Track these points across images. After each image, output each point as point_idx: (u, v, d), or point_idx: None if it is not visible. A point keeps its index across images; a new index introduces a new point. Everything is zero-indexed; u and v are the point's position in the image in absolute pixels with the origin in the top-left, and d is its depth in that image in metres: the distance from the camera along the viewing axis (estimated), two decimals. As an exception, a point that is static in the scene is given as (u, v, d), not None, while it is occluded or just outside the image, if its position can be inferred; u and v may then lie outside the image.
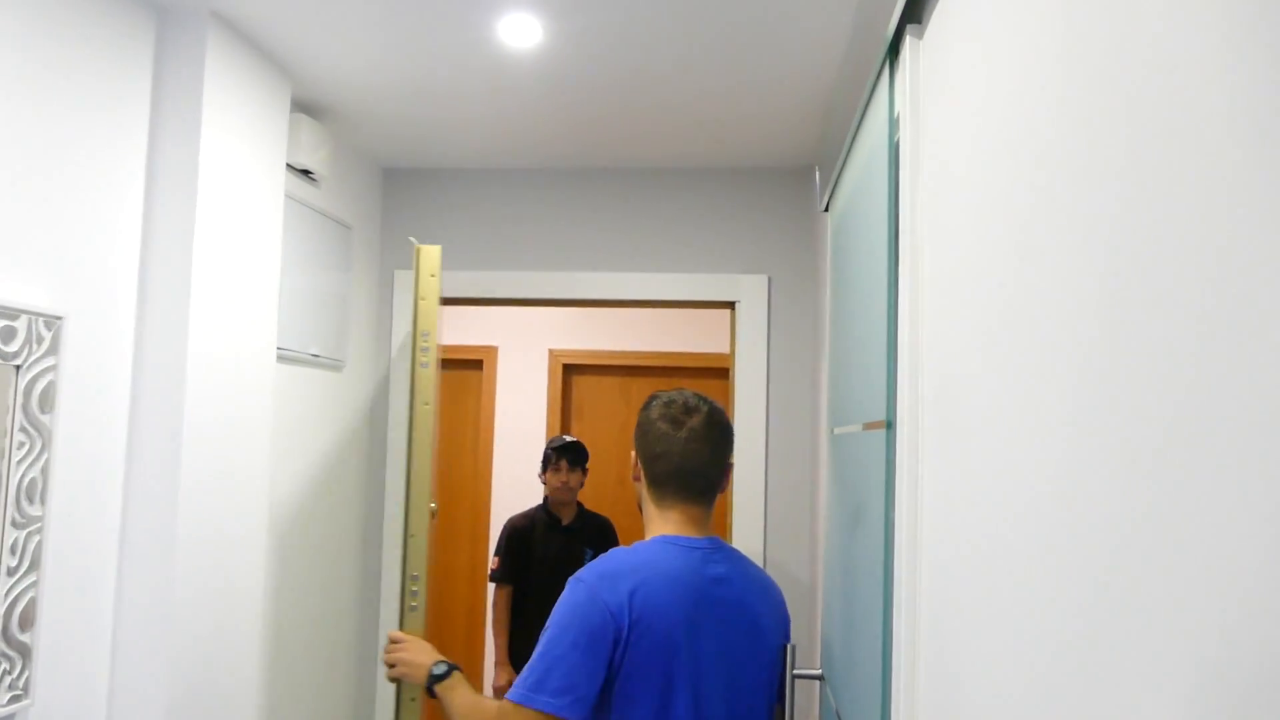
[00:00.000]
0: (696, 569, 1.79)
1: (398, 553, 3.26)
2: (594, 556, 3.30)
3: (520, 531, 3.98)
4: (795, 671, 1.92)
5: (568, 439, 4.02)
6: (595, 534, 3.98)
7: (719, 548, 1.89)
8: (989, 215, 0.95)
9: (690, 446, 1.90)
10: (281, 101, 2.56)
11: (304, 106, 2.84)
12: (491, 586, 4.02)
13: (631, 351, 5.21)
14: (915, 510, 1.27)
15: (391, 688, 3.10)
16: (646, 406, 1.99)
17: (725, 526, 3.36)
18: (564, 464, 3.94)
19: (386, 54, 2.46)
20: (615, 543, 3.89)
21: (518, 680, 1.72)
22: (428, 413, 2.62)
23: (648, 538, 1.89)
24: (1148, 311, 0.59)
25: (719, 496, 1.99)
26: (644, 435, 1.94)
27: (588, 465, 4.05)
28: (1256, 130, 0.47)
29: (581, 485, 4.01)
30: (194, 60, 2.20)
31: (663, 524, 1.89)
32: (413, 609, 2.59)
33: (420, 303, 2.64)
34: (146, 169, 2.18)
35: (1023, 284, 0.84)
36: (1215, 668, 0.50)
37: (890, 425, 1.38)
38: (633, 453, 1.98)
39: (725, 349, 4.75)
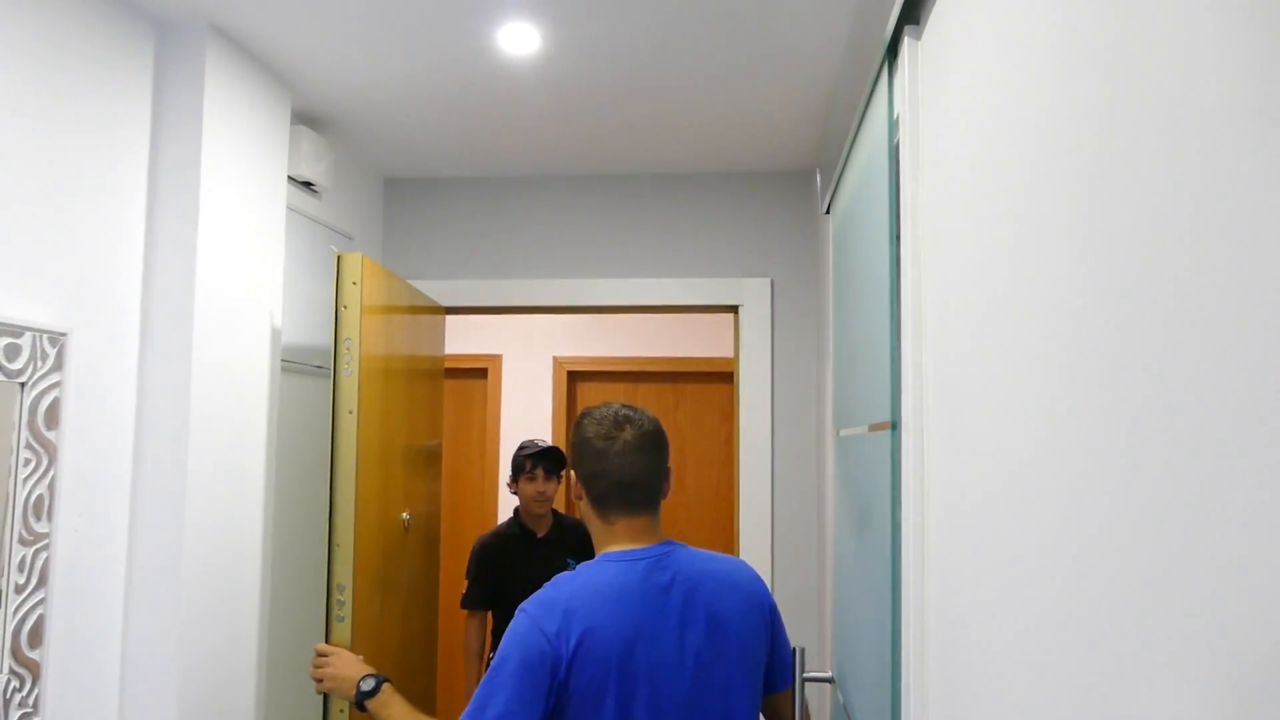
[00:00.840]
0: (640, 582, 1.78)
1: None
2: (578, 565, 3.24)
3: (491, 551, 3.56)
4: (805, 674, 1.91)
5: (542, 444, 3.58)
6: (577, 541, 3.54)
7: (667, 553, 1.84)
8: (989, 214, 0.95)
9: (626, 459, 1.86)
10: (282, 114, 2.56)
11: (304, 118, 2.85)
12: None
13: (636, 357, 5.20)
14: (922, 510, 1.27)
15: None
16: (578, 425, 1.95)
17: (732, 530, 3.36)
18: (540, 472, 3.50)
19: (386, 64, 2.46)
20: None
21: (467, 709, 1.70)
22: (351, 421, 2.65)
23: (597, 555, 1.88)
24: (1149, 308, 0.59)
25: (664, 502, 1.95)
26: (580, 455, 1.92)
27: (563, 473, 3.59)
28: (1253, 127, 0.47)
29: (554, 495, 3.57)
30: (194, 74, 2.21)
31: (609, 540, 1.87)
32: (339, 619, 2.60)
33: (343, 310, 2.68)
34: (148, 183, 2.19)
35: (1024, 282, 0.84)
36: (1225, 666, 0.49)
37: (895, 426, 1.38)
38: (571, 473, 1.95)
39: (729, 353, 4.75)
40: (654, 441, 1.92)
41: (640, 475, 1.87)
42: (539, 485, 3.50)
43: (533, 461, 3.50)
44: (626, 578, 1.77)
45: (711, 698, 1.77)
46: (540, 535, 3.56)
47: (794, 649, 1.93)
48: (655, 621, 1.75)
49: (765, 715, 1.91)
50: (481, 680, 1.73)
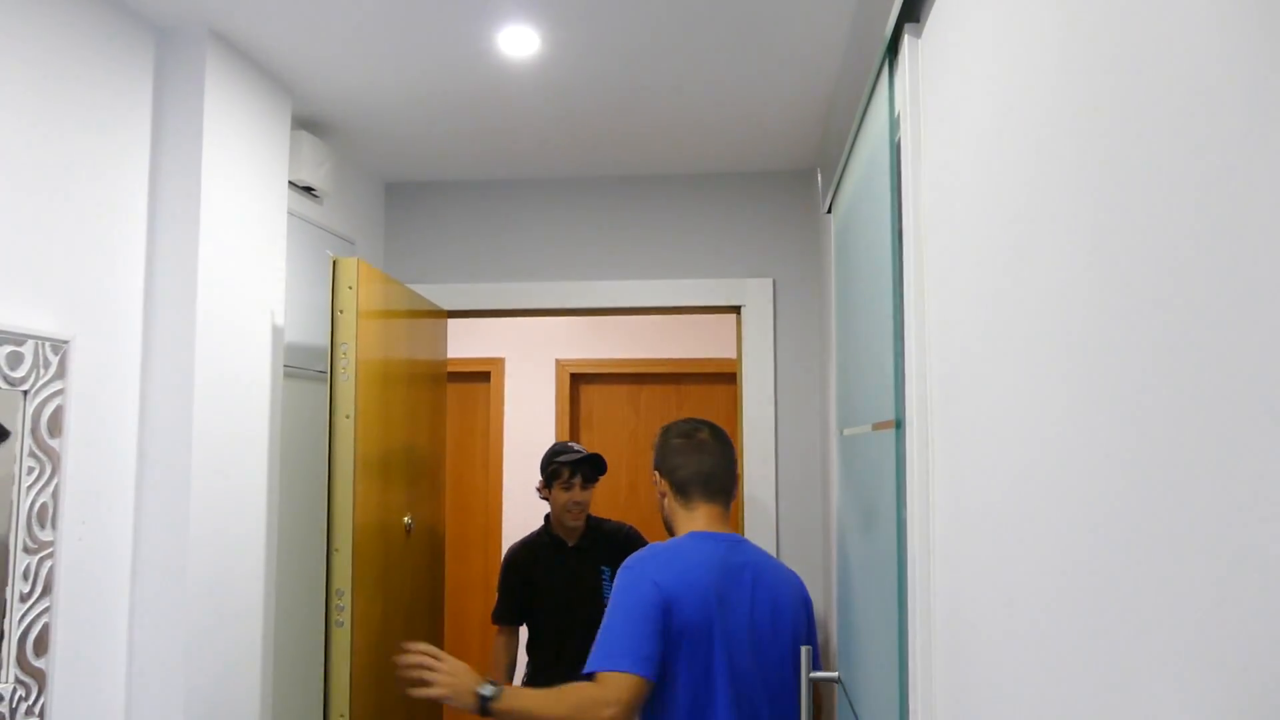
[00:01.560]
0: (724, 556, 2.12)
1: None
2: (613, 577, 3.17)
3: (520, 563, 3.33)
4: (812, 674, 1.91)
5: (578, 448, 3.31)
6: (612, 549, 3.29)
7: (741, 542, 2.21)
8: (991, 211, 0.95)
9: (704, 453, 2.27)
10: (282, 118, 2.56)
11: (305, 123, 2.85)
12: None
13: (639, 359, 5.20)
14: (927, 509, 1.27)
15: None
16: (663, 435, 2.36)
17: (737, 530, 3.35)
18: (578, 480, 3.24)
19: (386, 68, 2.46)
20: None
21: (593, 654, 1.98)
22: (349, 426, 2.65)
23: (679, 535, 2.22)
24: (1155, 303, 0.58)
25: (733, 504, 2.35)
26: (665, 453, 2.31)
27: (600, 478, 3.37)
28: (1255, 120, 0.47)
29: (589, 503, 3.34)
30: (194, 80, 2.21)
31: (690, 523, 2.23)
32: (339, 624, 2.61)
33: (338, 315, 2.69)
34: (149, 190, 2.19)
35: (1027, 279, 0.83)
36: (1233, 664, 0.49)
37: (899, 425, 1.37)
38: (654, 474, 2.34)
39: (732, 354, 4.75)
40: (723, 443, 2.34)
41: (714, 468, 2.27)
42: (575, 495, 3.25)
43: (571, 469, 3.23)
44: (713, 551, 2.13)
45: (769, 664, 2.09)
46: (572, 545, 3.32)
47: (800, 649, 1.95)
48: (732, 591, 2.08)
49: None
50: (602, 631, 2.02)
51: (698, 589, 2.03)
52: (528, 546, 3.38)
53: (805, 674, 1.92)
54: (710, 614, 2.03)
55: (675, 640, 1.99)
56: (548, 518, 3.38)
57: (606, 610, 2.06)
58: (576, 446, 3.33)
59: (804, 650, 1.94)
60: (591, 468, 3.29)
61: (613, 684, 1.92)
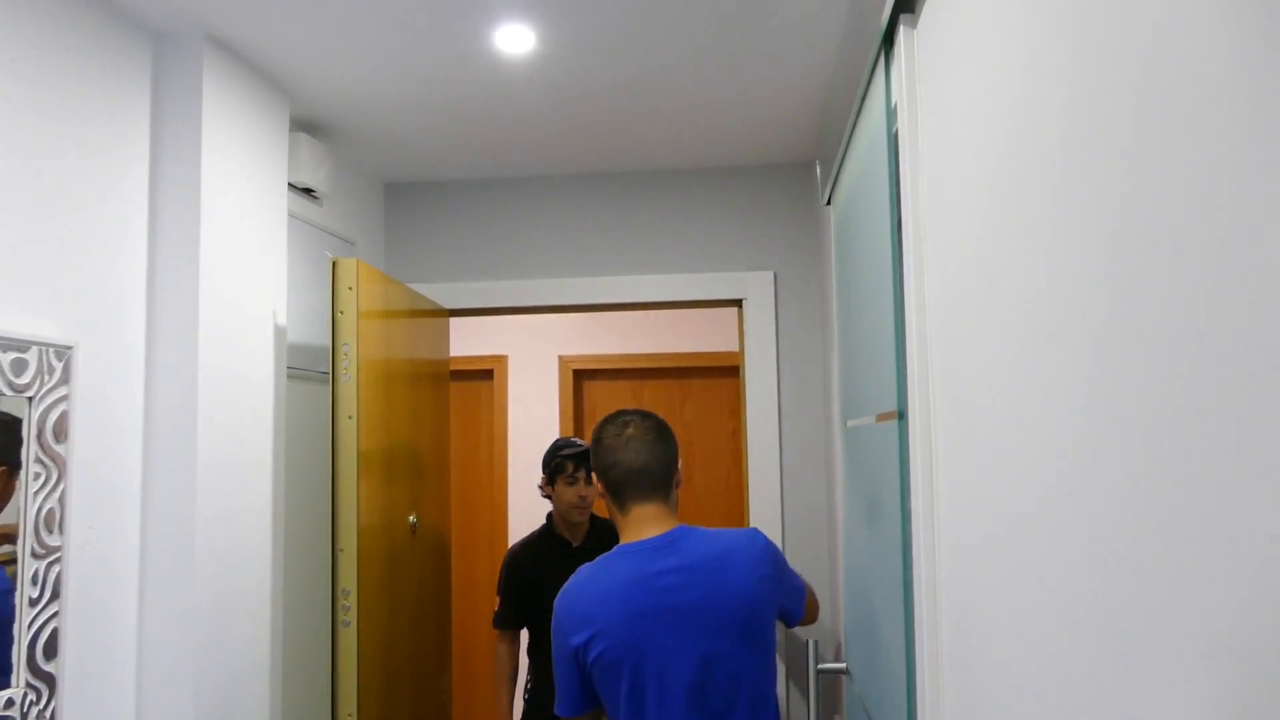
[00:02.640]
0: (643, 568, 1.99)
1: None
2: None
3: (521, 565, 3.23)
4: (819, 666, 1.91)
5: (581, 443, 3.19)
6: None
7: (675, 539, 2.04)
8: (990, 200, 0.95)
9: (632, 449, 2.11)
10: (280, 121, 2.56)
11: (303, 125, 2.85)
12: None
13: (641, 354, 5.20)
14: (932, 499, 1.27)
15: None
16: (594, 434, 2.20)
17: (742, 524, 3.35)
18: (582, 475, 3.14)
19: (383, 69, 2.47)
20: None
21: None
22: (351, 426, 2.66)
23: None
24: (1154, 292, 0.59)
25: (677, 492, 2.21)
26: (596, 454, 2.16)
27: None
28: (1259, 104, 0.47)
29: (595, 499, 3.11)
30: (191, 84, 2.21)
31: (624, 529, 2.10)
32: (345, 624, 2.61)
33: (339, 315, 2.70)
34: (149, 194, 2.19)
35: (1027, 267, 0.83)
36: (1230, 649, 0.49)
37: (902, 415, 1.38)
38: (592, 475, 2.20)
39: (734, 347, 4.75)
40: (658, 432, 2.15)
41: (647, 462, 2.09)
42: (580, 489, 3.15)
43: (574, 463, 3.14)
44: (632, 567, 2.00)
45: (718, 680, 1.96)
46: (576, 545, 3.20)
47: (806, 641, 1.95)
48: (657, 611, 1.95)
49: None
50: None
51: (617, 630, 1.96)
52: (529, 547, 3.27)
53: (813, 666, 1.92)
54: (629, 640, 1.95)
55: (598, 674, 1.98)
56: (550, 517, 3.28)
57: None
58: (579, 441, 3.24)
59: (810, 643, 1.94)
60: None
61: None
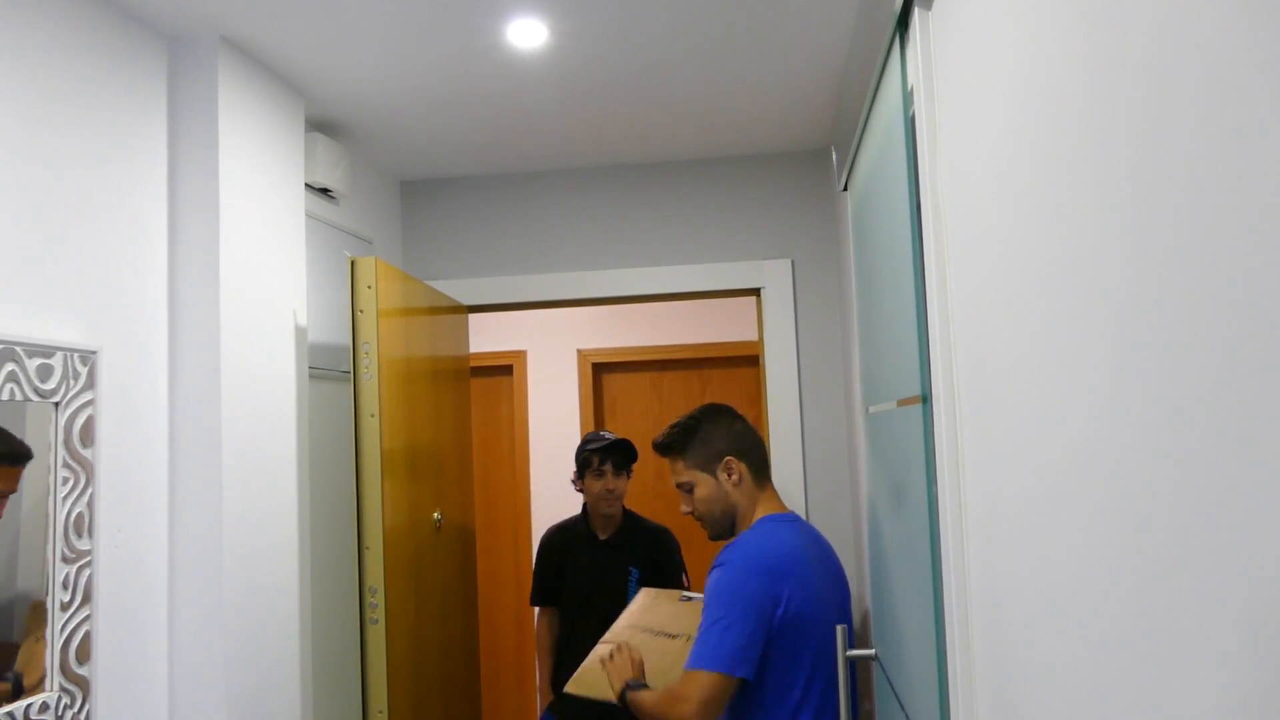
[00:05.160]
0: (806, 540, 2.18)
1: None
2: (642, 579, 3.24)
3: (553, 546, 3.38)
4: (848, 652, 1.91)
5: (609, 435, 3.31)
6: (644, 549, 3.29)
7: (798, 519, 2.29)
8: (1011, 181, 0.94)
9: (758, 435, 2.33)
10: (296, 121, 2.57)
11: (319, 125, 2.86)
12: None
13: (660, 346, 5.20)
14: (957, 482, 1.26)
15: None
16: (715, 420, 2.32)
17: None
18: (609, 468, 3.23)
19: (397, 67, 2.47)
20: (674, 558, 3.33)
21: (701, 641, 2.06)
22: (374, 425, 2.67)
23: (752, 521, 2.24)
24: (1177, 268, 0.58)
25: None
26: (734, 438, 2.28)
27: (633, 467, 3.34)
28: (1277, 78, 0.46)
29: (625, 492, 3.31)
30: (207, 86, 2.22)
31: (765, 506, 2.26)
32: (373, 622, 2.63)
33: (358, 314, 2.71)
34: (168, 197, 2.20)
35: (1049, 248, 0.83)
36: (1260, 625, 0.49)
37: (926, 399, 1.37)
38: (729, 460, 2.26)
39: (753, 336, 4.74)
40: None
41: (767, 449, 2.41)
42: (608, 482, 3.24)
43: (600, 457, 3.24)
44: (799, 538, 2.17)
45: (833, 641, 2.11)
46: (603, 538, 3.31)
47: (835, 628, 1.95)
48: (818, 570, 2.14)
49: None
50: (710, 622, 2.05)
51: (805, 579, 2.08)
52: (563, 530, 3.41)
53: (842, 652, 1.92)
54: (817, 607, 2.08)
55: (783, 633, 2.05)
56: (584, 506, 3.37)
57: (711, 607, 2.08)
58: (607, 434, 3.34)
59: (839, 629, 1.94)
60: (621, 454, 3.27)
61: (695, 683, 2.02)
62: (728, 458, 2.27)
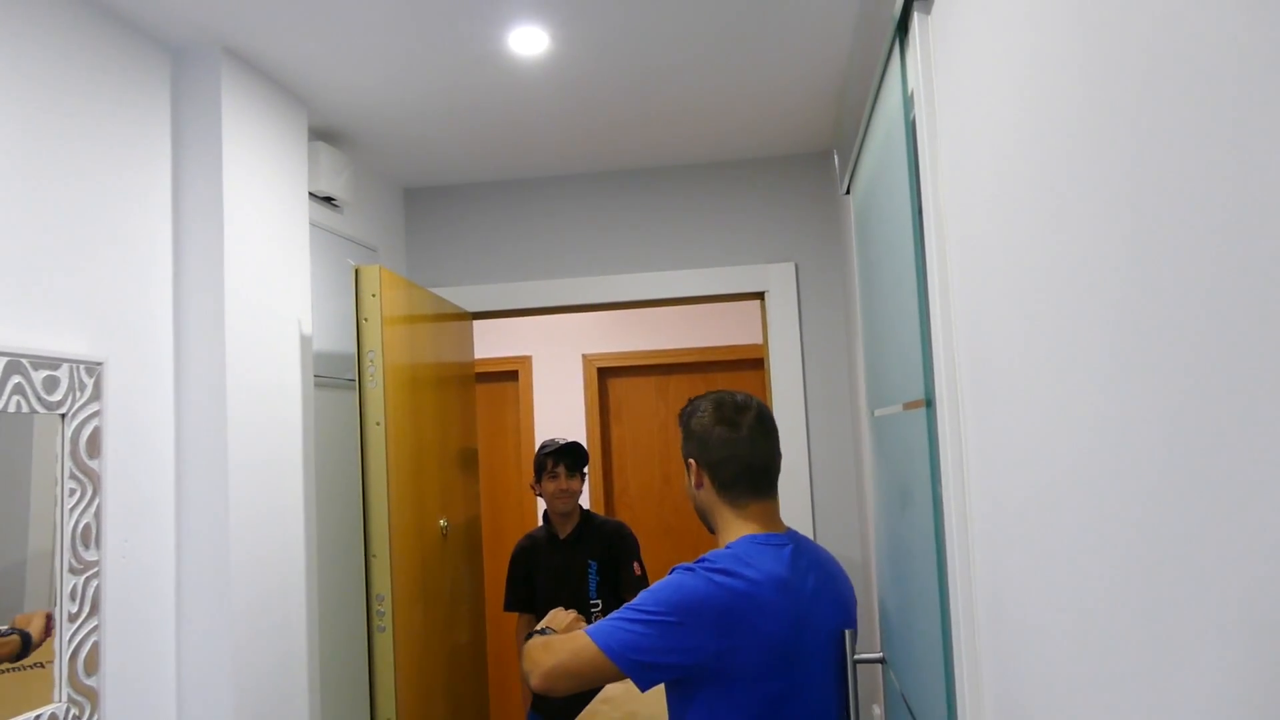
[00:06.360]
0: (788, 564, 1.81)
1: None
2: (600, 571, 3.44)
3: (522, 554, 3.60)
4: (856, 657, 1.91)
5: (562, 441, 3.57)
6: (600, 544, 3.51)
7: (797, 540, 1.89)
8: (1011, 184, 0.94)
9: (755, 444, 1.89)
10: (299, 130, 2.58)
11: (322, 134, 2.86)
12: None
13: (665, 350, 5.20)
14: (962, 485, 1.26)
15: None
16: (694, 413, 1.96)
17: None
18: (561, 469, 3.48)
19: (399, 75, 2.48)
20: (630, 551, 3.52)
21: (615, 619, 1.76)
22: (379, 432, 2.68)
23: (730, 540, 1.87)
24: (1178, 270, 0.58)
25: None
26: (703, 442, 1.91)
27: (586, 470, 3.62)
28: (1277, 76, 0.46)
29: (580, 492, 3.54)
30: (210, 98, 2.23)
31: (743, 524, 1.88)
32: (380, 630, 2.63)
33: (363, 323, 2.72)
34: (173, 208, 2.21)
35: (1049, 249, 0.83)
36: (1261, 620, 0.49)
37: (930, 403, 1.37)
38: (690, 462, 1.94)
39: (758, 339, 4.74)
40: (773, 425, 1.95)
41: (765, 460, 1.90)
42: (561, 483, 3.48)
43: (554, 459, 3.49)
44: (779, 566, 1.80)
45: (840, 675, 1.85)
46: (563, 537, 3.53)
47: (844, 632, 1.94)
48: (809, 609, 1.80)
49: None
50: (628, 616, 1.75)
51: (776, 614, 1.76)
52: (530, 538, 3.64)
53: (850, 657, 1.91)
54: (790, 635, 1.77)
55: (717, 676, 1.74)
56: (546, 514, 3.59)
57: (645, 597, 1.78)
58: (559, 439, 3.60)
59: (846, 634, 1.92)
60: (573, 456, 3.51)
61: (573, 645, 1.75)
62: (690, 459, 1.95)
